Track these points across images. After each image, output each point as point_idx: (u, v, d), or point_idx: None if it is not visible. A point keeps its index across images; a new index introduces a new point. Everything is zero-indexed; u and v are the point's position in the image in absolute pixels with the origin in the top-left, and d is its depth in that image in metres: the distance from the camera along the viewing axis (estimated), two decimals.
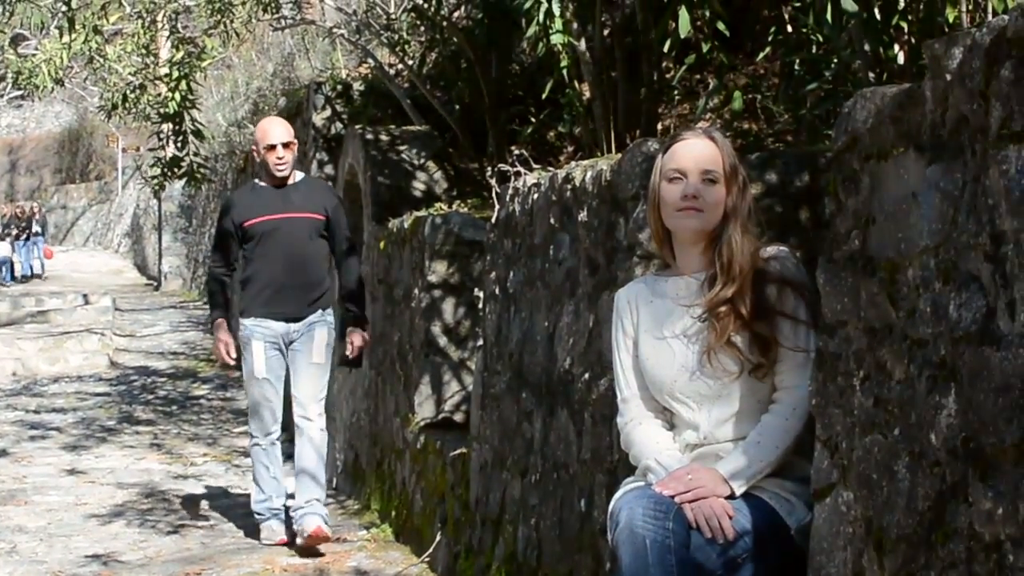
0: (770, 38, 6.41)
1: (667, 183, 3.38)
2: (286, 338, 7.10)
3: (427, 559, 6.37)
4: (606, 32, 7.29)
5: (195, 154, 11.48)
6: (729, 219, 3.33)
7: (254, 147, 7.21)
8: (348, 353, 7.23)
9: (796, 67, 5.86)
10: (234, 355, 7.18)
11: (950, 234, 2.37)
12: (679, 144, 3.41)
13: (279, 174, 7.08)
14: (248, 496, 7.72)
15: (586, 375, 4.49)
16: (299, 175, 7.31)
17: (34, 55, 11.31)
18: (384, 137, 9.08)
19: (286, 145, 7.06)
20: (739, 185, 3.36)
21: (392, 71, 10.47)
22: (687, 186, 3.34)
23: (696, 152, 3.37)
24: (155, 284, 29.53)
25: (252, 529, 7.40)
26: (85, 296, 23.03)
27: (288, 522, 7.16)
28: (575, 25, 6.69)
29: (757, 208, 3.48)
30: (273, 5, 10.47)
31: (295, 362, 7.11)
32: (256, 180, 7.35)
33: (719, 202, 3.33)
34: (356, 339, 7.19)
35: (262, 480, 7.22)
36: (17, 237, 32.94)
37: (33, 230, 32.95)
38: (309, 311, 7.11)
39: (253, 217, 7.08)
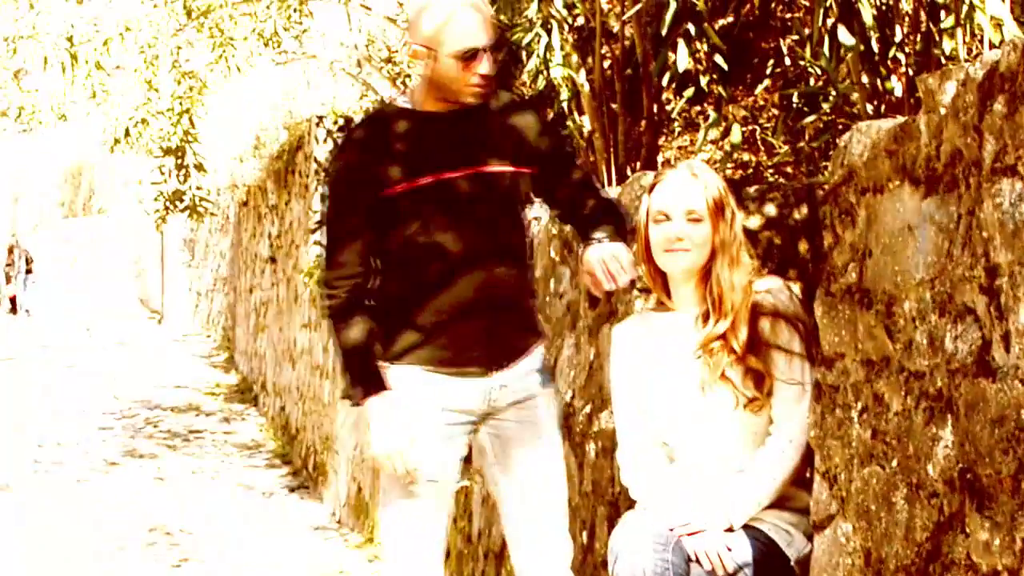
0: (768, 70, 6.44)
1: (654, 224, 3.40)
2: (482, 405, 3.62)
3: None
4: (606, 64, 7.32)
5: (197, 187, 11.52)
6: (716, 254, 3.34)
7: (416, 52, 3.61)
8: (600, 287, 3.57)
9: (795, 99, 5.88)
10: (412, 465, 3.50)
11: (945, 267, 2.39)
12: (661, 184, 3.43)
13: (474, 100, 3.58)
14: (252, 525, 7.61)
15: (587, 408, 4.50)
16: None
17: (37, 90, 11.37)
18: None
19: (493, 51, 3.57)
20: (726, 220, 3.36)
21: None
22: (670, 228, 3.36)
23: (678, 192, 3.38)
24: (158, 318, 29.58)
25: (257, 562, 7.37)
26: (87, 329, 23.07)
27: None
28: (575, 58, 6.71)
29: (748, 240, 3.50)
30: (275, 40, 10.53)
31: (510, 457, 3.68)
32: (400, 101, 3.73)
33: (705, 240, 3.35)
34: (614, 256, 3.51)
35: None
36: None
37: (17, 268, 33.13)
38: (521, 351, 3.67)
39: (411, 178, 3.56)
